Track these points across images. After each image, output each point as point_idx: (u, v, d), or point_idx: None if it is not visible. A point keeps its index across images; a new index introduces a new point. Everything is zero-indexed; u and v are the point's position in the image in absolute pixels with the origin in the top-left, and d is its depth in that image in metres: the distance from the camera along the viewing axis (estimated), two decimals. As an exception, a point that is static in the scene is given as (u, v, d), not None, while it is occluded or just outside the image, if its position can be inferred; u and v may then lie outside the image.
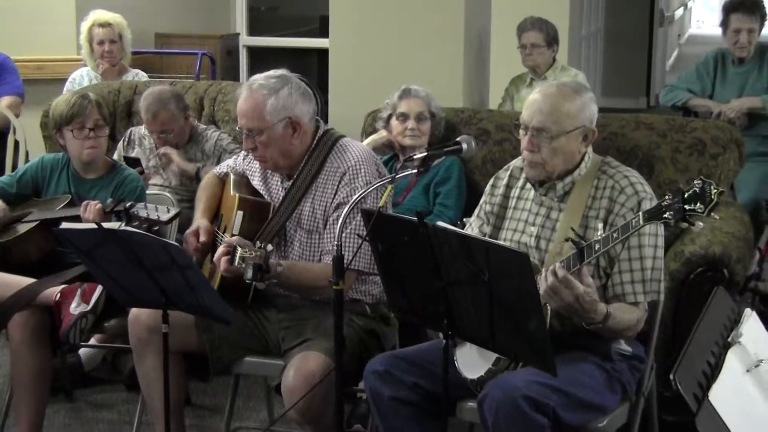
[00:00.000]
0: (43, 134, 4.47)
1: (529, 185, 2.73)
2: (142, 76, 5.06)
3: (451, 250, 2.26)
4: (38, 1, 5.92)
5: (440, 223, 2.32)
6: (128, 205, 3.13)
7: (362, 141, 3.78)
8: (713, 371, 1.95)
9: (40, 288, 3.19)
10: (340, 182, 2.90)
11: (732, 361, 1.99)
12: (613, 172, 2.64)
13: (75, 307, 3.12)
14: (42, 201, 3.47)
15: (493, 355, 2.46)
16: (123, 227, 2.73)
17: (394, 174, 2.62)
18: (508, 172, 2.81)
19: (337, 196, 2.90)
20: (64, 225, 2.87)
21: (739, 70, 4.70)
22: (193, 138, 4.14)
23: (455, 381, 2.50)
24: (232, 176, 3.16)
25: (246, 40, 7.32)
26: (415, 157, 2.65)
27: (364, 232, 2.46)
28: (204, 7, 7.13)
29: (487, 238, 2.62)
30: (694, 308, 2.75)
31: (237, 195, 3.01)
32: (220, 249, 2.77)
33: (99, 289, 3.16)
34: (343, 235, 2.67)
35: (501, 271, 2.17)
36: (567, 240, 2.45)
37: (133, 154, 4.15)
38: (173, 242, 2.66)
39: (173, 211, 3.12)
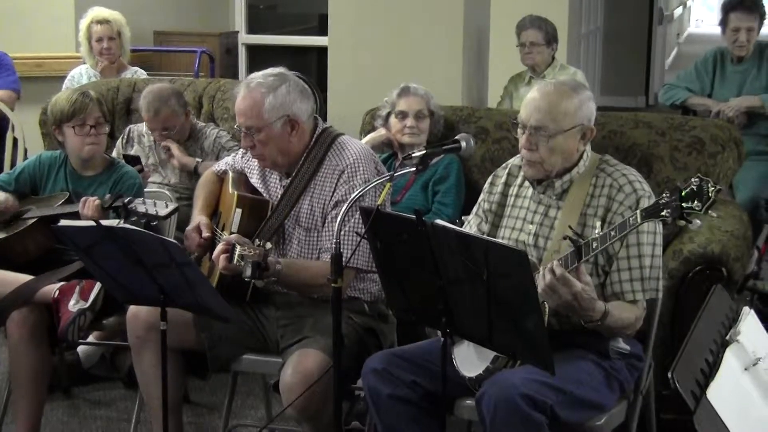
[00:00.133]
0: (41, 131, 4.47)
1: (527, 183, 2.73)
2: (141, 73, 5.06)
3: (449, 249, 2.26)
4: (37, -2, 5.94)
5: (439, 222, 2.32)
6: (126, 200, 3.13)
7: (361, 139, 3.79)
8: (711, 369, 1.95)
9: (39, 285, 3.18)
10: (338, 180, 2.90)
11: (730, 359, 1.99)
12: (611, 170, 2.64)
13: (73, 305, 3.12)
14: (40, 198, 3.47)
15: (492, 354, 2.46)
16: (121, 224, 2.73)
17: (392, 172, 2.62)
18: (507, 170, 2.81)
19: (335, 194, 2.90)
20: (63, 222, 2.87)
21: (738, 69, 4.70)
22: (192, 135, 4.14)
23: (453, 379, 2.50)
24: (230, 174, 3.15)
25: (245, 38, 7.32)
26: (413, 155, 2.65)
27: (363, 230, 2.46)
28: (203, 4, 7.13)
29: (485, 236, 2.62)
30: (693, 307, 2.76)
31: (235, 193, 3.01)
32: (219, 247, 2.77)
33: (97, 286, 3.16)
34: (342, 233, 2.67)
35: (499, 270, 2.17)
36: (565, 238, 2.45)
37: (132, 152, 4.15)
38: (172, 240, 2.66)
39: (171, 206, 3.12)
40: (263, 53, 7.31)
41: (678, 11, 14.44)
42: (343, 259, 2.49)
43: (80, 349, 3.91)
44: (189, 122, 4.13)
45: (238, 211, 2.96)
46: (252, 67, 7.04)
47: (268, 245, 2.70)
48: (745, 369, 2.00)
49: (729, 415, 1.87)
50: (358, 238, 2.65)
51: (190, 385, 3.66)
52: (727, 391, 1.91)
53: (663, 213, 2.29)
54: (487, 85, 4.86)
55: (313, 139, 2.96)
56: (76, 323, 3.11)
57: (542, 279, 2.42)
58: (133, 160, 3.94)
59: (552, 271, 2.40)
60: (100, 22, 4.98)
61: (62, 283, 3.19)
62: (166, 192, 3.73)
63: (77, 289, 3.15)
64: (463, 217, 2.99)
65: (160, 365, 2.72)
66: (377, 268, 2.55)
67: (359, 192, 2.62)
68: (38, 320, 3.19)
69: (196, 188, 3.27)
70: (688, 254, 3.06)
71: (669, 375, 1.83)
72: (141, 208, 3.09)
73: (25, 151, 4.85)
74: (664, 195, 2.30)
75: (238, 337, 2.90)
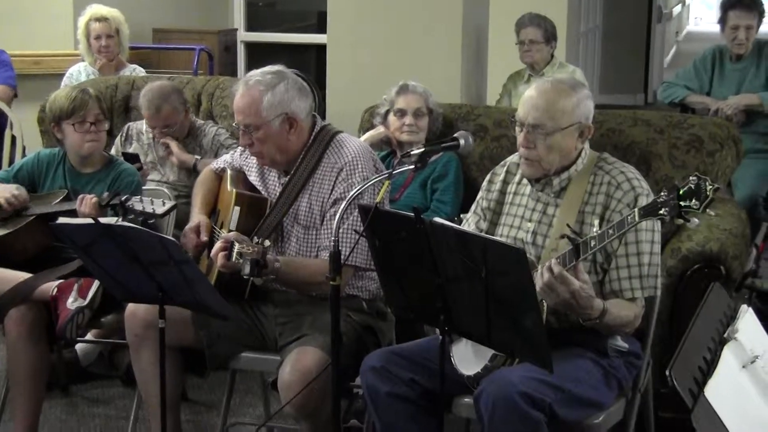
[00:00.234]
0: (40, 129, 4.46)
1: (525, 181, 2.73)
2: (140, 71, 5.06)
3: (448, 246, 2.26)
4: (36, -4, 5.93)
5: (437, 219, 2.32)
6: (124, 198, 3.13)
7: (360, 137, 3.78)
8: (709, 367, 1.95)
9: (37, 283, 3.18)
10: (337, 178, 2.90)
11: (728, 357, 1.99)
12: (609, 168, 2.64)
13: (72, 302, 3.12)
14: (38, 196, 3.46)
15: (490, 352, 2.46)
16: (119, 222, 2.72)
17: (391, 170, 2.62)
18: (505, 168, 2.81)
19: (334, 192, 2.89)
20: (61, 220, 2.87)
21: (736, 67, 4.71)
22: (191, 133, 4.14)
23: (452, 377, 2.50)
24: (229, 172, 3.15)
25: (244, 35, 7.31)
26: (412, 153, 2.65)
27: (361, 228, 2.46)
28: (202, 2, 7.12)
29: (484, 234, 2.62)
30: (691, 305, 2.75)
31: (234, 190, 3.01)
32: (218, 244, 2.77)
33: (96, 284, 3.16)
34: (340, 230, 2.66)
35: (498, 267, 2.17)
36: (563, 237, 2.45)
37: (130, 150, 4.15)
38: (170, 237, 2.66)
39: (169, 204, 3.12)
40: (262, 51, 7.31)
41: (677, 9, 14.44)
42: (342, 256, 2.49)
43: (78, 346, 3.91)
44: (188, 120, 4.13)
45: (237, 208, 2.96)
46: (251, 65, 7.03)
47: (267, 243, 2.70)
48: (743, 367, 2.00)
49: (727, 412, 1.87)
50: (357, 236, 2.64)
51: (188, 382, 3.66)
52: (724, 388, 1.91)
53: (661, 211, 2.29)
54: (486, 83, 4.86)
55: (312, 137, 2.96)
56: (74, 321, 3.11)
57: (540, 277, 2.42)
58: (132, 158, 3.94)
59: (550, 270, 2.40)
60: (99, 19, 4.98)
61: (60, 281, 3.19)
62: (165, 190, 3.73)
63: (75, 286, 3.15)
64: (461, 215, 2.99)
65: (159, 363, 2.72)
66: (376, 266, 2.55)
67: (358, 190, 2.62)
68: (36, 318, 3.18)
69: (195, 186, 3.27)
70: (686, 252, 3.06)
71: (667, 373, 1.83)
72: (138, 206, 3.09)
73: (24, 148, 4.84)
74: (662, 193, 2.30)
75: (236, 334, 2.90)
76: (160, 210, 3.08)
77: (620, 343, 2.60)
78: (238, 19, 7.33)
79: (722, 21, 4.72)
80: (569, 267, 2.41)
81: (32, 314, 3.18)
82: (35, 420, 3.26)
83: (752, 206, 4.39)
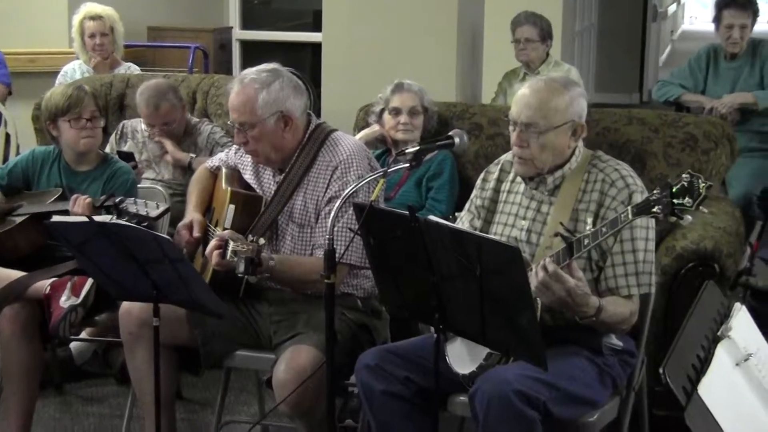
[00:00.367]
0: (34, 127, 4.46)
1: (519, 179, 2.73)
2: (135, 69, 5.05)
3: (442, 245, 2.26)
4: (30, -7, 5.91)
5: (432, 218, 2.32)
6: (118, 200, 3.12)
7: (355, 135, 3.78)
8: (703, 365, 1.95)
9: (30, 281, 3.18)
10: (332, 176, 2.90)
11: (721, 355, 1.99)
12: (603, 166, 2.64)
13: (65, 301, 3.11)
14: (33, 194, 3.46)
15: (485, 350, 2.46)
16: (114, 220, 2.72)
17: (386, 168, 2.62)
18: (499, 166, 2.81)
19: (328, 190, 2.89)
20: (56, 218, 2.86)
21: (731, 66, 4.72)
22: (186, 131, 4.13)
23: (447, 375, 2.50)
24: (223, 170, 3.15)
25: (239, 33, 7.31)
26: (407, 151, 2.64)
27: (356, 226, 2.45)
28: (197, 0, 7.11)
29: (478, 233, 2.62)
30: (685, 303, 2.75)
31: (229, 189, 3.01)
32: (212, 243, 2.77)
33: (89, 282, 3.15)
34: (335, 229, 2.66)
35: (492, 266, 2.17)
36: (556, 235, 2.45)
37: (125, 148, 4.15)
38: (164, 235, 2.65)
39: (162, 207, 3.10)
40: (257, 49, 7.30)
41: (672, 8, 14.46)
42: (337, 255, 2.49)
43: (72, 345, 3.90)
44: (184, 117, 4.12)
45: (231, 206, 2.96)
46: (246, 63, 7.02)
47: (261, 241, 2.70)
48: (737, 365, 2.00)
49: (720, 410, 1.87)
50: (352, 234, 2.64)
51: (182, 381, 3.66)
52: (718, 386, 1.91)
53: (654, 209, 2.29)
54: (481, 82, 4.87)
55: (307, 135, 2.95)
56: (68, 319, 3.11)
57: (535, 276, 2.42)
58: (127, 157, 3.93)
59: (545, 268, 2.40)
60: (93, 17, 4.97)
61: (54, 279, 3.18)
62: (160, 188, 3.72)
63: (69, 285, 3.15)
64: (456, 214, 2.99)
65: (153, 361, 2.72)
66: (370, 264, 2.55)
67: (352, 188, 2.62)
68: (30, 316, 3.18)
69: (190, 184, 3.27)
70: (680, 251, 3.06)
71: (660, 370, 1.84)
72: (132, 209, 3.08)
73: (18, 146, 4.83)
74: (654, 191, 2.30)
75: (231, 333, 2.90)
76: (153, 213, 3.07)
77: (615, 341, 2.60)
78: (234, 18, 7.32)
79: (717, 20, 4.73)
80: (563, 265, 2.42)
81: (26, 312, 3.17)
82: (29, 419, 3.25)
83: (746, 204, 4.39)
